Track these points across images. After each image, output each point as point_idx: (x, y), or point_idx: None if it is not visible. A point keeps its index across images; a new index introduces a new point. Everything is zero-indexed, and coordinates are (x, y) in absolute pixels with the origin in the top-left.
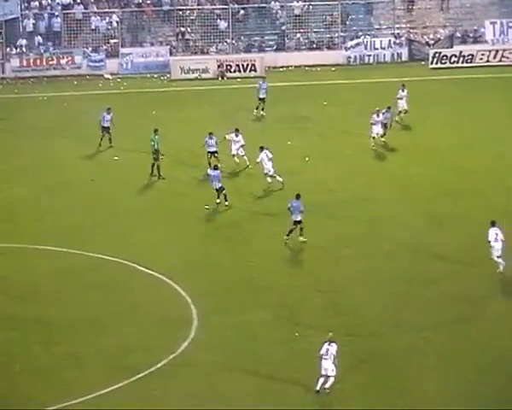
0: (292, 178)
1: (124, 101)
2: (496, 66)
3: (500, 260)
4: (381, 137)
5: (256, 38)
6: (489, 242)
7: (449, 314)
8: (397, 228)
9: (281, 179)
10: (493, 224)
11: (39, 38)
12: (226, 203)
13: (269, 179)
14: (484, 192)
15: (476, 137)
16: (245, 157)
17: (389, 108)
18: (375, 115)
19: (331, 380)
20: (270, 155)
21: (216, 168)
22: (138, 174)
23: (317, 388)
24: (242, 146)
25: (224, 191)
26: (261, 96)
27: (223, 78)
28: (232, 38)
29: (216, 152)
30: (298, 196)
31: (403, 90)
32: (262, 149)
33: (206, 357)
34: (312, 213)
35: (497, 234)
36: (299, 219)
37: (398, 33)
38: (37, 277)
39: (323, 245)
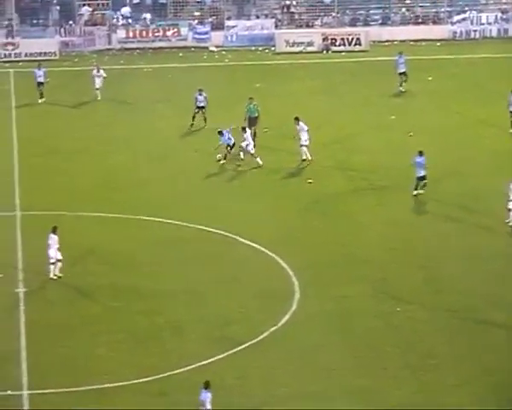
0: (395, 153)
1: (228, 73)
2: None
3: None
4: None
5: (361, 12)
6: None
7: None
8: (496, 203)
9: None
10: None
11: (145, 10)
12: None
13: (304, 149)
14: None
15: None
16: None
17: None
18: None
19: None
20: (306, 128)
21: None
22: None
23: None
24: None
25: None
26: (401, 71)
27: (327, 51)
28: (337, 12)
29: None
30: (421, 153)
31: None
32: (297, 120)
33: (306, 330)
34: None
35: None
36: (422, 174)
37: (505, 8)
38: (137, 247)
39: (422, 221)
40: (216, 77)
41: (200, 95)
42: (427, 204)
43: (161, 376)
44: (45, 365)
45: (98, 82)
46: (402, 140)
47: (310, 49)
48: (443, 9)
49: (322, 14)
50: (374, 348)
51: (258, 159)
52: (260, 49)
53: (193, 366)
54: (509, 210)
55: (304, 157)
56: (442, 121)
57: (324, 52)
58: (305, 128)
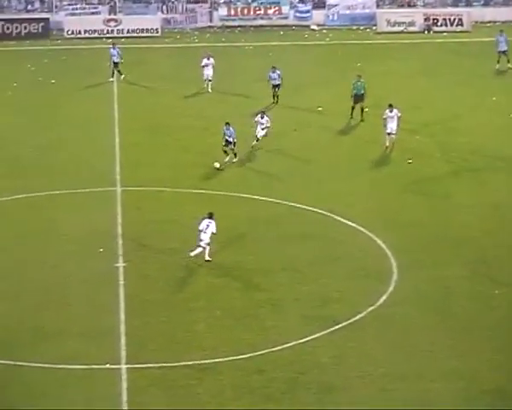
0: (496, 135)
1: (329, 52)
2: None
3: None
4: None
5: None
6: None
7: None
8: None
9: None
10: None
11: None
12: None
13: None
14: None
15: None
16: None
17: None
18: None
19: None
20: (399, 114)
21: None
22: (339, 123)
23: None
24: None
25: None
26: (502, 49)
27: (429, 31)
28: None
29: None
30: None
31: None
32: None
33: (403, 311)
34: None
35: None
36: None
37: None
38: (237, 224)
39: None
40: (317, 55)
41: (274, 72)
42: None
43: (259, 353)
44: (144, 339)
45: (209, 73)
46: (504, 122)
47: (411, 29)
48: None
49: None
50: (470, 330)
51: None
52: (361, 28)
53: (290, 344)
54: None
55: (387, 144)
56: None
57: (426, 32)
58: (398, 115)
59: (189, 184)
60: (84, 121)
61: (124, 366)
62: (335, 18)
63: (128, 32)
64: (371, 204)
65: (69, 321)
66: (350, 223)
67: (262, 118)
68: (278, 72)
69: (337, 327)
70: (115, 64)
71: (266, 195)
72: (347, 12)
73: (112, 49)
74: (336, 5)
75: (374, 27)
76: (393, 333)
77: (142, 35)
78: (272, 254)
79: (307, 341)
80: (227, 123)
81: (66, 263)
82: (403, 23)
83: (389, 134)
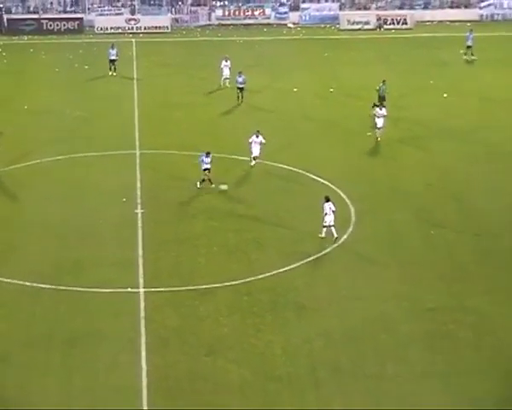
0: (433, 110)
1: (302, 45)
2: None
3: None
4: None
5: None
6: None
7: None
8: None
9: None
10: None
11: None
12: None
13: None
14: None
15: None
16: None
17: None
18: None
19: None
20: (385, 113)
21: None
22: (316, 102)
23: None
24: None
25: None
26: (469, 44)
27: (380, 29)
28: None
29: (208, 170)
30: None
31: None
32: (375, 106)
33: (361, 247)
34: (447, 138)
35: None
36: None
37: None
38: (232, 180)
39: (454, 164)
40: (293, 48)
41: (240, 76)
42: (460, 151)
43: (247, 280)
44: (157, 269)
45: (227, 72)
46: (439, 100)
47: (367, 27)
48: None
49: None
50: (415, 262)
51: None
52: (328, 26)
53: (271, 273)
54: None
55: (378, 137)
56: (471, 85)
57: (378, 29)
58: (385, 114)
59: (195, 149)
60: (111, 98)
61: (142, 290)
62: (307, 18)
63: (145, 28)
64: (337, 165)
65: (100, 255)
66: (320, 179)
67: (257, 137)
68: (243, 76)
69: (309, 259)
70: (112, 61)
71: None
72: (317, 13)
73: (111, 49)
74: (308, 8)
75: (337, 25)
76: (353, 264)
77: (156, 31)
78: (258, 204)
79: (285, 271)
80: (208, 152)
81: (98, 210)
82: (360, 22)
83: (378, 129)
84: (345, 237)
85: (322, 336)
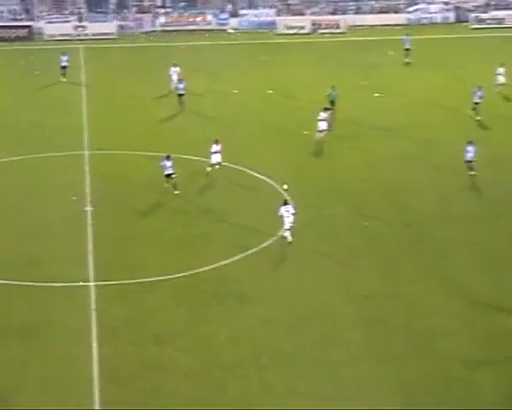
0: (366, 109)
1: (242, 49)
2: None
3: None
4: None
5: (340, 4)
6: None
7: (481, 210)
8: (445, 146)
9: None
10: None
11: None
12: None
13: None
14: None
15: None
16: None
17: (480, 87)
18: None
19: None
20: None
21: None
22: (255, 103)
23: None
24: None
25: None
26: (407, 47)
27: (315, 33)
28: (323, 3)
29: (172, 174)
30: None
31: (501, 67)
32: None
33: (299, 240)
34: (380, 136)
35: None
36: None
37: (448, 1)
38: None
39: (386, 160)
40: (233, 52)
41: (181, 83)
42: (391, 148)
43: (192, 272)
44: (107, 263)
45: (175, 78)
46: (371, 99)
47: (302, 31)
48: (401, 2)
49: (311, 4)
50: (351, 253)
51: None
52: (265, 31)
53: (215, 265)
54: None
55: (319, 135)
56: (402, 85)
57: (313, 33)
58: (325, 115)
59: (141, 149)
60: (61, 102)
61: (92, 284)
62: (246, 24)
63: (92, 35)
64: (277, 163)
65: (52, 251)
66: (260, 176)
67: (217, 145)
68: (184, 83)
69: (250, 252)
70: (63, 67)
71: (200, 155)
72: (255, 19)
73: (62, 56)
74: (247, 14)
75: (275, 30)
76: (293, 256)
77: (103, 38)
78: (204, 201)
79: (229, 263)
80: (168, 156)
81: (50, 207)
82: (296, 27)
83: (320, 131)
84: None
85: (265, 324)
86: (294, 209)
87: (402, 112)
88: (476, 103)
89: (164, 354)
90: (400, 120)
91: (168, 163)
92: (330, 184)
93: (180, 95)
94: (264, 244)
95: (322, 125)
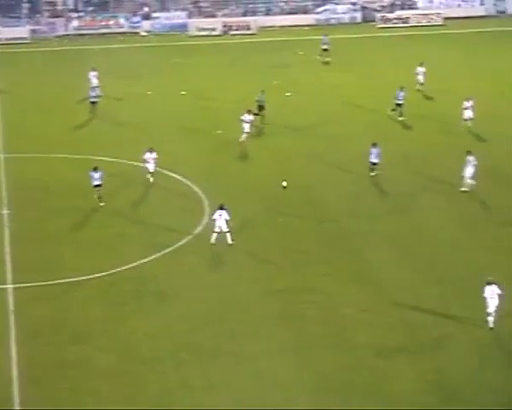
0: (279, 108)
1: (155, 52)
2: (425, 26)
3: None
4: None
5: (251, 5)
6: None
7: (391, 206)
8: (354, 143)
9: None
10: None
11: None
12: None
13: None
14: (416, 115)
15: (409, 75)
16: None
17: (402, 88)
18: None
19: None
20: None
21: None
22: (169, 105)
23: (490, 325)
24: None
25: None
26: (324, 48)
27: (226, 34)
28: (234, 5)
29: (99, 185)
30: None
31: (421, 66)
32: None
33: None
34: (292, 133)
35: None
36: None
37: (355, 2)
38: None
39: (298, 157)
40: (146, 54)
41: (93, 91)
42: (303, 145)
43: (112, 272)
44: (26, 264)
45: (95, 82)
46: (282, 98)
47: (214, 33)
48: (310, 3)
49: (222, 6)
50: (266, 248)
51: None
52: (178, 33)
53: (134, 264)
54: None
55: (243, 137)
56: (312, 84)
57: (224, 35)
58: (251, 118)
59: (56, 152)
60: None
61: (10, 286)
62: (159, 26)
63: (5, 40)
64: (192, 162)
65: None
66: (176, 176)
67: (151, 153)
68: (97, 91)
69: (168, 250)
70: None
71: (116, 157)
72: (167, 21)
73: None
74: (159, 17)
75: (187, 32)
76: (209, 253)
77: (16, 42)
78: (120, 201)
79: (146, 261)
80: (95, 167)
81: None
82: (207, 29)
83: (246, 133)
84: (200, 228)
85: (183, 320)
86: (229, 215)
87: (313, 110)
88: (398, 104)
89: (84, 354)
90: (311, 118)
91: (96, 175)
92: (245, 183)
93: (93, 102)
94: (181, 243)
95: (247, 127)
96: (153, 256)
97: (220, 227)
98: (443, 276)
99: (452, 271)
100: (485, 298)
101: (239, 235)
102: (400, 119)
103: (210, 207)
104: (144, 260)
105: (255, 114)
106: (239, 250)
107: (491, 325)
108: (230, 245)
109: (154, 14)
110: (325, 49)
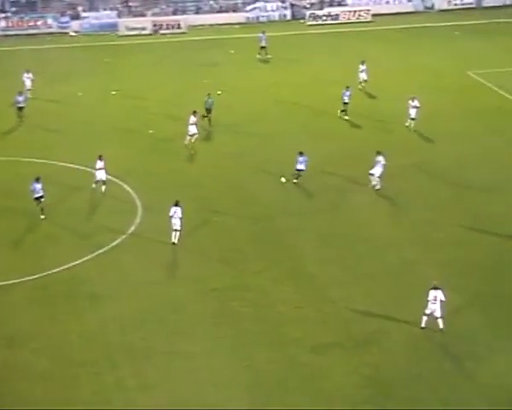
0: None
1: (85, 52)
2: (354, 22)
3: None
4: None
5: (181, 4)
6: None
7: (323, 203)
8: (285, 140)
9: None
10: None
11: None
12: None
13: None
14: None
15: (340, 72)
16: None
17: (348, 87)
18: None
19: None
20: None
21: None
22: (100, 105)
23: (423, 325)
24: None
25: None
26: (262, 45)
27: (157, 33)
28: (163, 4)
29: (41, 197)
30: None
31: (363, 64)
32: (195, 112)
33: (148, 237)
34: (223, 131)
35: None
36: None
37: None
38: (17, 180)
39: (231, 155)
40: (76, 55)
41: (20, 96)
42: (235, 144)
43: (44, 274)
44: None
45: (28, 84)
46: (214, 97)
47: (144, 32)
48: (240, 1)
49: (152, 6)
50: (200, 247)
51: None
52: (108, 33)
53: (67, 265)
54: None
55: (190, 142)
56: (243, 82)
57: (154, 34)
58: (195, 119)
59: None
60: None
61: None
62: (88, 26)
63: None
64: (123, 162)
65: None
66: (108, 177)
67: (101, 161)
68: (24, 96)
69: (101, 251)
70: None
71: (47, 158)
72: (96, 21)
73: None
74: (88, 17)
75: (117, 32)
76: (142, 252)
77: None
78: (50, 202)
79: (79, 263)
80: (37, 178)
81: None
82: (137, 28)
83: (191, 135)
84: (133, 228)
85: (116, 320)
86: (182, 214)
87: (245, 108)
88: (345, 103)
89: (18, 357)
90: (243, 116)
91: (38, 186)
92: (178, 182)
93: (20, 108)
94: (115, 243)
95: (193, 129)
96: (86, 257)
97: (178, 226)
98: (374, 272)
99: (383, 267)
100: (427, 301)
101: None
102: (346, 118)
103: (142, 206)
104: (77, 262)
105: (204, 117)
106: (174, 249)
107: (423, 324)
108: (174, 244)
109: (83, 14)
110: (263, 47)
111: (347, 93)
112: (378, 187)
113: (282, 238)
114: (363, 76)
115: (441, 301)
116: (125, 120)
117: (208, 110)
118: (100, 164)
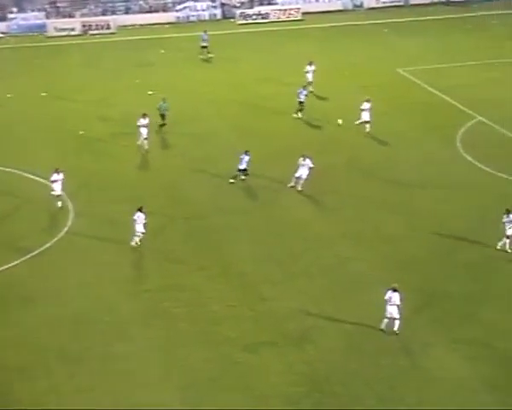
0: (139, 109)
1: (13, 53)
2: (284, 21)
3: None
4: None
5: (110, 5)
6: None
7: (256, 201)
8: (218, 140)
9: None
10: None
11: None
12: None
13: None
14: (282, 111)
15: (272, 70)
16: None
17: (305, 86)
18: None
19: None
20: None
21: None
22: (30, 106)
23: (382, 327)
24: None
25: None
26: (203, 45)
27: (86, 34)
28: (92, 5)
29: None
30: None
31: (310, 65)
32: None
33: (81, 238)
34: (157, 132)
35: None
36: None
37: None
38: None
39: (164, 154)
40: (4, 56)
41: None
42: (166, 144)
43: None
44: None
45: None
46: (145, 97)
47: (73, 33)
48: (169, 0)
49: (80, 6)
50: (134, 248)
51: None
52: (36, 34)
53: None
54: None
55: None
56: (174, 82)
57: (84, 34)
58: (146, 122)
59: None
60: None
61: None
62: (16, 27)
63: None
64: (54, 164)
65: None
66: (38, 179)
67: (58, 174)
68: None
69: (33, 254)
70: None
71: None
72: (24, 22)
73: None
74: (16, 18)
75: (45, 33)
76: (75, 254)
77: None
78: None
79: (10, 266)
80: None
81: None
82: (66, 29)
83: (145, 139)
84: (65, 229)
85: (49, 324)
86: (145, 219)
87: (176, 108)
88: (301, 102)
89: None
90: (175, 116)
91: None
92: (109, 182)
93: None
94: (47, 245)
95: (144, 132)
96: (16, 261)
97: (141, 231)
98: (308, 269)
99: (317, 264)
100: (385, 301)
101: (104, 234)
102: (299, 115)
103: (74, 208)
104: (9, 265)
105: (161, 125)
106: (106, 250)
107: (382, 326)
108: (133, 247)
109: (11, 15)
110: (204, 46)
111: (304, 92)
112: (300, 188)
113: (216, 237)
114: (309, 77)
115: (396, 304)
116: (55, 121)
117: (162, 116)
118: (57, 177)
